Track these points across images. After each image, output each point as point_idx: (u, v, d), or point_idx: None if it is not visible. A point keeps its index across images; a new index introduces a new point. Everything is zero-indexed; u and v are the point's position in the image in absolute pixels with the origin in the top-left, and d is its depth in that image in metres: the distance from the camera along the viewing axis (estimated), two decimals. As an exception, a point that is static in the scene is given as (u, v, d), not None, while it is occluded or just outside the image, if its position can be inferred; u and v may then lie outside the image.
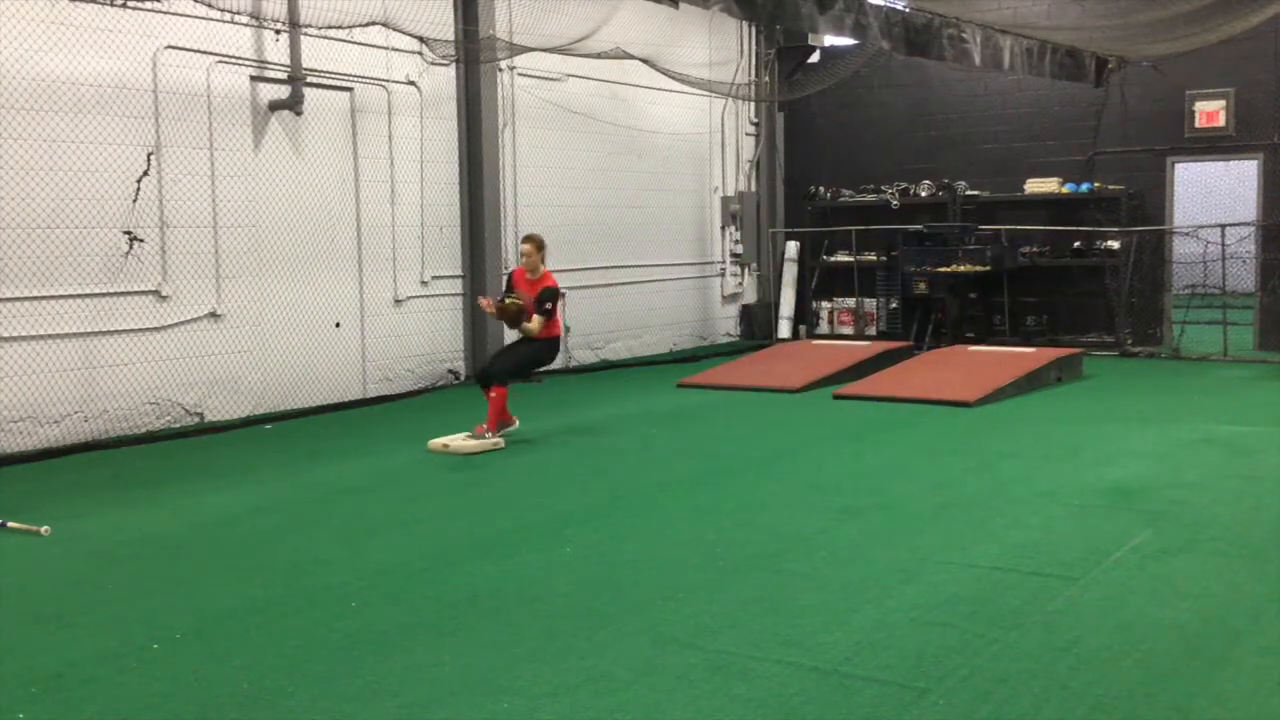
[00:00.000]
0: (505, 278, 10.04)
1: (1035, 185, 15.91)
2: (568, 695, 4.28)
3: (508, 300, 9.53)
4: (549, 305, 9.45)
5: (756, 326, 17.37)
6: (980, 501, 7.20)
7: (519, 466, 8.55)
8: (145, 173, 9.94)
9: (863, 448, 9.08)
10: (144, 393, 9.99)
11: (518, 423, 9.56)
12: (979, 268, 15.22)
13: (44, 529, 6.69)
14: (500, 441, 9.20)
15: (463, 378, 13.02)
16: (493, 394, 9.33)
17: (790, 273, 17.34)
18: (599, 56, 12.59)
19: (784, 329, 17.22)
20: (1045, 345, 14.34)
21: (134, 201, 9.89)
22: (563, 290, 9.93)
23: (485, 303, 9.76)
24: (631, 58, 13.08)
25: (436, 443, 9.10)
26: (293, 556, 6.23)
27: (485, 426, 9.24)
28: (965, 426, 9.92)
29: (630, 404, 11.50)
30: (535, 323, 9.44)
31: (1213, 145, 15.03)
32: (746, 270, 17.24)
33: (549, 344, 9.70)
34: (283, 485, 8.07)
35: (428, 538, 6.56)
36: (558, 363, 14.08)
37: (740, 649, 4.71)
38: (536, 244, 9.57)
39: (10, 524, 6.79)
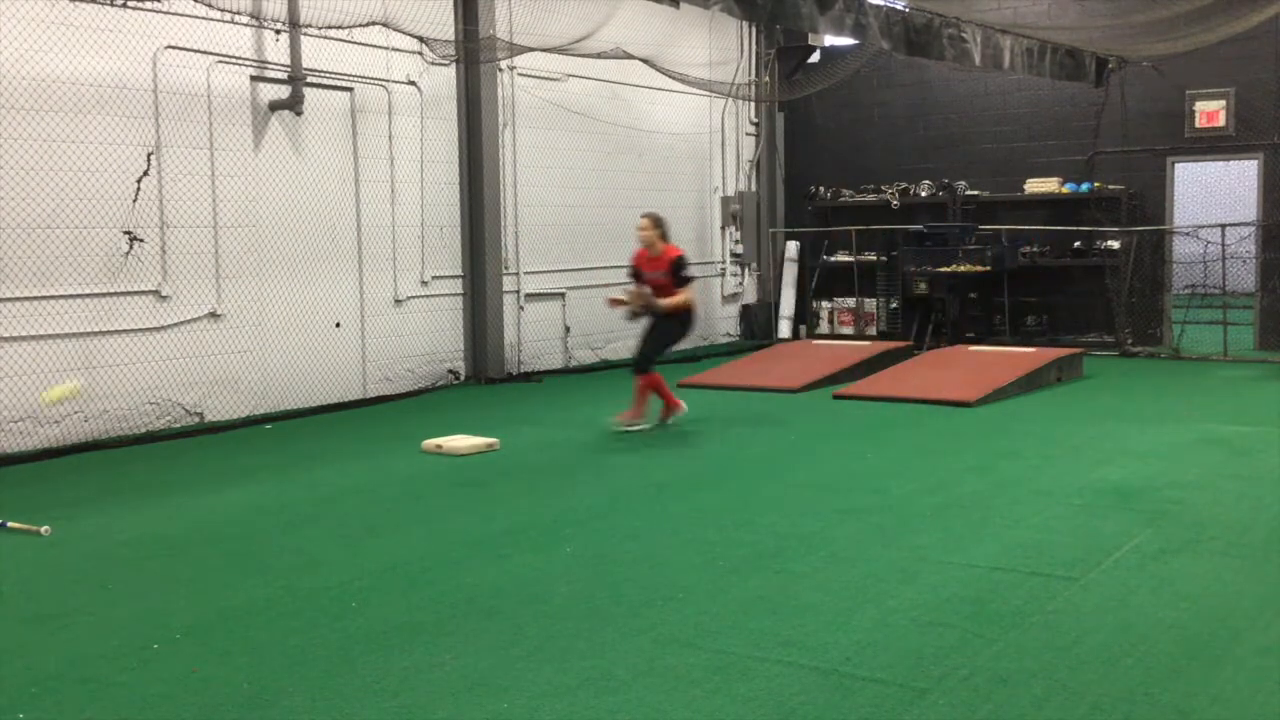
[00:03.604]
0: (629, 269, 10.20)
1: (1035, 185, 15.91)
2: (568, 695, 4.28)
3: (628, 295, 9.73)
4: (684, 273, 9.76)
5: (756, 326, 17.37)
6: (980, 501, 7.19)
7: (518, 466, 8.55)
8: (145, 173, 9.95)
9: (863, 448, 9.08)
10: (144, 393, 10.00)
11: (685, 408, 9.92)
12: (979, 268, 15.22)
13: (44, 529, 6.69)
14: (645, 425, 9.67)
15: (463, 377, 13.02)
16: (641, 382, 9.66)
17: (790, 273, 17.35)
18: (599, 56, 12.59)
19: (784, 329, 17.23)
20: (1045, 345, 14.33)
21: (134, 201, 9.90)
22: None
23: (613, 302, 9.94)
24: (631, 58, 13.08)
25: (430, 443, 9.10)
26: (293, 556, 6.23)
27: (629, 413, 9.71)
28: (965, 426, 9.92)
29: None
30: (677, 297, 9.69)
31: (1213, 145, 15.03)
32: (746, 270, 17.24)
33: (685, 317, 9.86)
34: (283, 485, 8.07)
35: (428, 538, 6.55)
36: (558, 362, 14.17)
37: (740, 649, 4.70)
38: (654, 220, 9.89)
39: (10, 524, 6.79)
